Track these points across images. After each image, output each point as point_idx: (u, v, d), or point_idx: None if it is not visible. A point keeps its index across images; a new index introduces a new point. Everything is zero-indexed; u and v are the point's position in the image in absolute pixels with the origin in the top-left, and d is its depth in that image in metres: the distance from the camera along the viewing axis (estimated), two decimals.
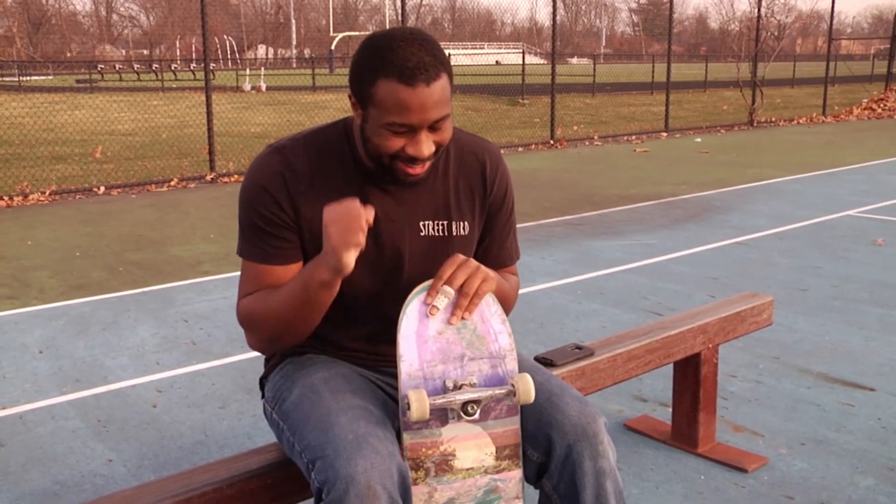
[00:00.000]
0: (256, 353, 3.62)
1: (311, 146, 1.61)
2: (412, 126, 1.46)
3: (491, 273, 1.52)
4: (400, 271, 1.64)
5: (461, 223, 1.68)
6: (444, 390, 1.47)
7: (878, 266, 5.10)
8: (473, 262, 1.50)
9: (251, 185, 1.60)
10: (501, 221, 1.75)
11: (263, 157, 1.61)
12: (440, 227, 1.66)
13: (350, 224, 1.39)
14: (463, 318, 1.49)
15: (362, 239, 1.40)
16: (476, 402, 1.46)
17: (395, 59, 1.42)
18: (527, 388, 1.44)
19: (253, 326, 1.61)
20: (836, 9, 17.52)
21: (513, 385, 1.46)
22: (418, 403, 1.39)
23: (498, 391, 1.47)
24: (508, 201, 1.75)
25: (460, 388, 1.47)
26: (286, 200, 1.57)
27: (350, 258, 1.41)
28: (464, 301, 1.49)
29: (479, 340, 1.50)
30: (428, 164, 1.54)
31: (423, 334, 1.48)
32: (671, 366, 2.66)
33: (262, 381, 1.78)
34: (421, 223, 1.64)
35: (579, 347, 2.23)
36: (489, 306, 1.52)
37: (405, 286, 1.59)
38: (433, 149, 1.51)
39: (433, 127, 1.49)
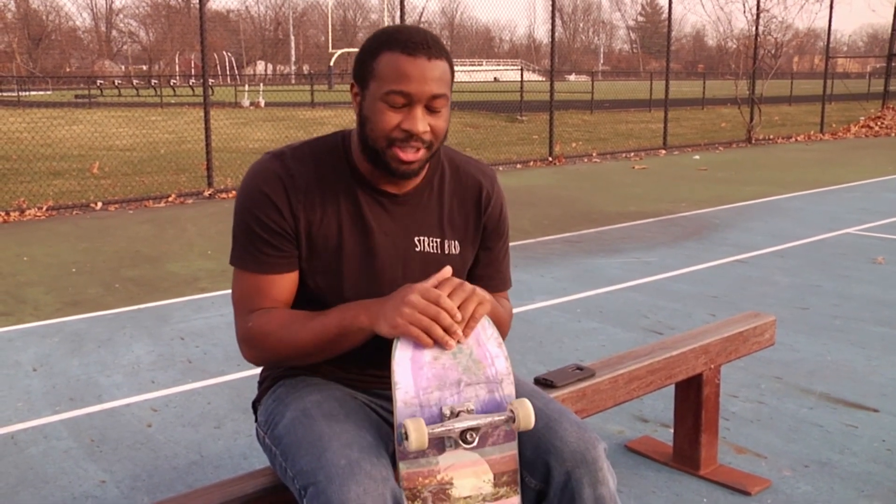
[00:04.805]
0: (253, 372, 3.59)
1: (309, 154, 1.61)
2: (410, 96, 1.47)
3: (487, 296, 1.49)
4: (395, 287, 1.61)
5: (453, 242, 1.67)
6: (441, 417, 1.43)
7: (878, 285, 5.07)
8: (469, 285, 1.47)
9: (250, 190, 1.58)
10: (498, 245, 1.74)
11: (262, 162, 1.60)
12: (434, 244, 1.65)
13: (427, 322, 1.41)
14: (459, 342, 1.45)
15: (424, 339, 1.42)
16: (475, 429, 1.42)
17: (399, 35, 1.49)
18: (527, 414, 1.41)
19: (264, 346, 1.56)
20: (832, 27, 17.62)
21: (512, 411, 1.43)
22: (417, 433, 1.35)
23: (497, 417, 1.43)
24: (503, 225, 1.75)
25: (458, 415, 1.43)
26: (286, 206, 1.56)
27: (396, 333, 1.43)
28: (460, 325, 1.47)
29: (476, 365, 1.47)
30: (421, 154, 1.52)
31: (418, 360, 1.44)
32: (672, 385, 2.63)
33: (255, 405, 1.74)
34: (416, 238, 1.64)
35: (580, 368, 2.20)
36: (485, 329, 1.49)
37: None
38: (427, 129, 1.50)
39: (430, 107, 1.50)
